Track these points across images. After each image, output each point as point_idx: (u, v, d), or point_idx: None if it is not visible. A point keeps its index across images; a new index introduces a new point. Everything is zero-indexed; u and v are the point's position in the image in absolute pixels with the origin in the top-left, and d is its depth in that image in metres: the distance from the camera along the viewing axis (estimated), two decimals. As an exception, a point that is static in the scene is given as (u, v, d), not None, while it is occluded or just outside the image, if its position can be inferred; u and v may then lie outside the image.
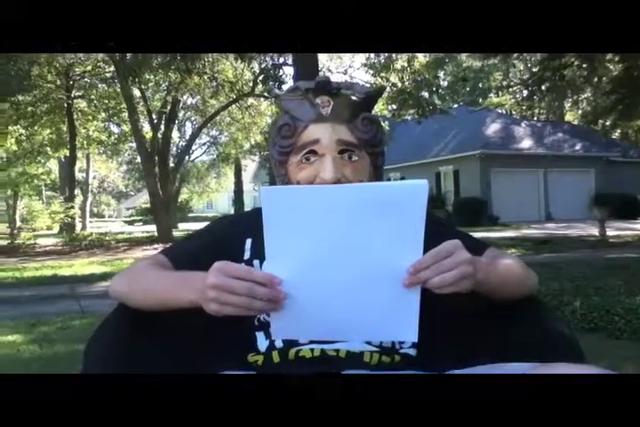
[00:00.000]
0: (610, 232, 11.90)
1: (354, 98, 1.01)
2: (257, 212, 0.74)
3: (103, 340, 0.93)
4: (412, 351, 0.96)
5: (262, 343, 0.96)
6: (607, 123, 16.25)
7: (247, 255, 1.03)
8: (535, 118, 29.51)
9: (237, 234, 1.06)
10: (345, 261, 0.74)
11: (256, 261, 1.00)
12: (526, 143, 20.48)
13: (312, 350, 0.92)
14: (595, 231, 12.23)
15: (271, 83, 11.18)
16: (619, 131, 20.96)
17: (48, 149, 18.46)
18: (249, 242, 1.04)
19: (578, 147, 21.14)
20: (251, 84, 15.21)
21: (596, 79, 12.49)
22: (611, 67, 11.56)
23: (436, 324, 0.91)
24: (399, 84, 13.18)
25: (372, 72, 14.08)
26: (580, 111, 29.13)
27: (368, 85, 1.16)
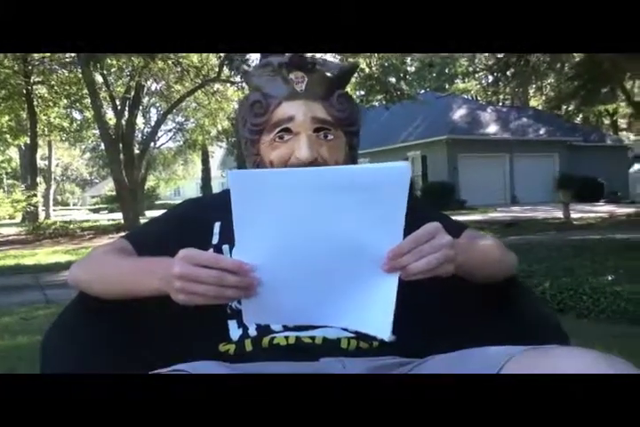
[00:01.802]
0: (573, 215, 12.15)
1: (328, 74, 0.97)
2: (225, 194, 0.70)
3: (62, 331, 0.88)
4: (390, 339, 0.92)
5: (235, 332, 0.92)
6: (570, 108, 16.54)
7: (216, 240, 0.98)
8: (500, 104, 29.81)
9: (205, 217, 1.01)
10: (321, 247, 0.71)
11: (225, 246, 0.95)
12: (492, 128, 20.73)
13: (287, 337, 0.88)
14: (559, 214, 12.47)
15: (237, 60, 10.98)
16: (580, 116, 21.32)
17: (7, 136, 17.89)
18: (217, 226, 0.99)
19: (542, 132, 21.49)
20: (216, 70, 14.97)
21: (559, 65, 12.66)
22: (574, 53, 11.73)
23: (415, 307, 0.88)
24: (367, 70, 13.13)
25: (339, 57, 13.98)
26: (543, 97, 29.54)
27: (340, 62, 1.12)
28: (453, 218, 1.11)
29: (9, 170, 24.29)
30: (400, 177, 0.68)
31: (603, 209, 15.41)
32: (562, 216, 11.94)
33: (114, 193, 20.69)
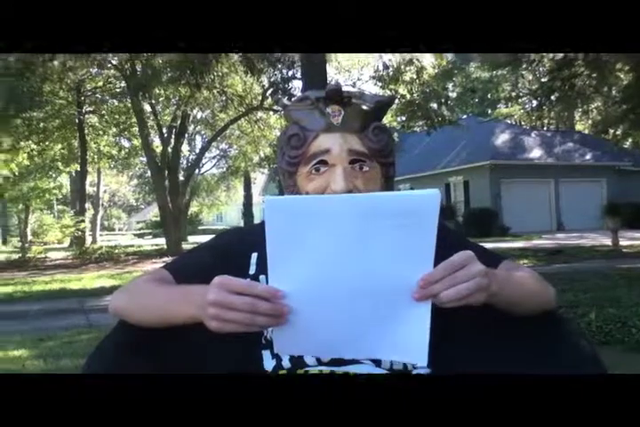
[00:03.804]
0: (623, 242, 11.76)
1: (364, 107, 0.98)
2: (264, 225, 0.71)
3: (102, 359, 0.90)
4: (426, 372, 0.91)
5: (268, 363, 0.92)
6: (618, 132, 16.15)
7: (253, 270, 0.99)
8: (545, 128, 29.39)
9: (243, 248, 1.03)
10: (352, 275, 0.71)
11: (262, 277, 0.96)
12: (536, 153, 20.40)
13: (321, 371, 0.87)
14: (607, 241, 12.09)
15: (279, 94, 11.21)
16: (630, 140, 20.78)
17: (59, 163, 18.59)
18: (255, 256, 1.01)
19: (588, 156, 21.02)
20: (260, 98, 15.30)
21: (606, 89, 12.43)
22: (621, 76, 11.51)
23: (449, 341, 0.87)
24: (408, 96, 13.17)
25: (380, 84, 14.07)
26: (590, 121, 28.99)
27: (378, 95, 1.13)
28: (496, 246, 1.09)
29: (59, 196, 25.11)
30: (430, 204, 0.68)
31: (654, 236, 14.85)
32: (610, 244, 11.57)
33: (158, 219, 21.13)
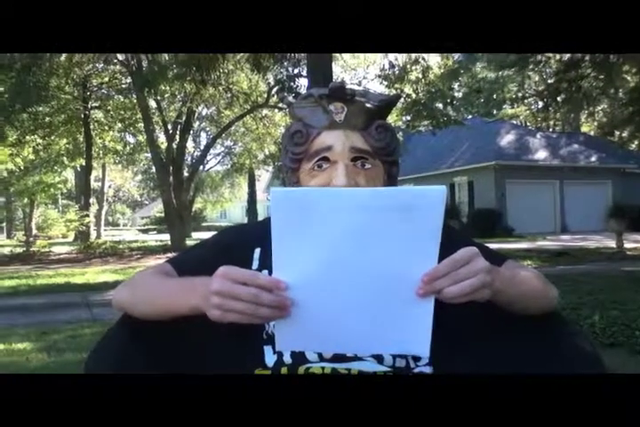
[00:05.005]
0: (627, 244, 11.72)
1: (368, 105, 0.98)
2: (267, 221, 0.71)
3: (105, 353, 0.90)
4: (428, 369, 0.91)
5: (270, 358, 0.92)
6: (624, 134, 16.12)
7: (255, 265, 1.00)
8: (550, 130, 29.33)
9: (246, 243, 1.03)
10: (356, 269, 0.71)
11: (264, 271, 0.96)
12: (541, 154, 20.35)
13: (323, 368, 0.88)
14: (611, 243, 12.05)
15: (284, 92, 11.22)
16: (636, 142, 20.74)
17: (65, 158, 18.63)
18: (257, 251, 1.01)
19: (594, 158, 20.97)
20: (265, 96, 15.31)
21: (612, 91, 12.41)
22: (628, 78, 11.49)
23: (451, 339, 0.87)
24: (413, 96, 13.15)
25: (386, 83, 14.05)
26: (596, 123, 28.92)
27: (382, 93, 1.13)
28: (500, 247, 1.10)
29: (64, 191, 25.21)
30: (436, 200, 0.68)
31: (659, 239, 14.80)
32: (614, 246, 11.53)
33: (163, 214, 21.16)
